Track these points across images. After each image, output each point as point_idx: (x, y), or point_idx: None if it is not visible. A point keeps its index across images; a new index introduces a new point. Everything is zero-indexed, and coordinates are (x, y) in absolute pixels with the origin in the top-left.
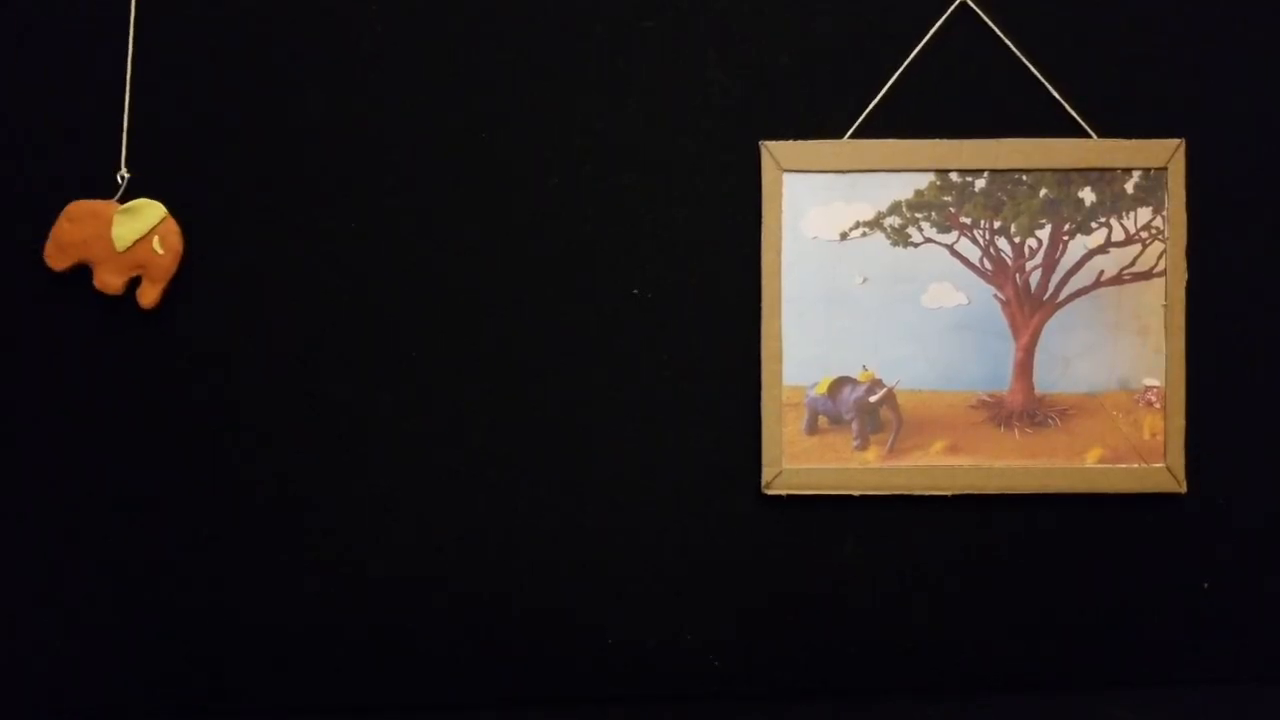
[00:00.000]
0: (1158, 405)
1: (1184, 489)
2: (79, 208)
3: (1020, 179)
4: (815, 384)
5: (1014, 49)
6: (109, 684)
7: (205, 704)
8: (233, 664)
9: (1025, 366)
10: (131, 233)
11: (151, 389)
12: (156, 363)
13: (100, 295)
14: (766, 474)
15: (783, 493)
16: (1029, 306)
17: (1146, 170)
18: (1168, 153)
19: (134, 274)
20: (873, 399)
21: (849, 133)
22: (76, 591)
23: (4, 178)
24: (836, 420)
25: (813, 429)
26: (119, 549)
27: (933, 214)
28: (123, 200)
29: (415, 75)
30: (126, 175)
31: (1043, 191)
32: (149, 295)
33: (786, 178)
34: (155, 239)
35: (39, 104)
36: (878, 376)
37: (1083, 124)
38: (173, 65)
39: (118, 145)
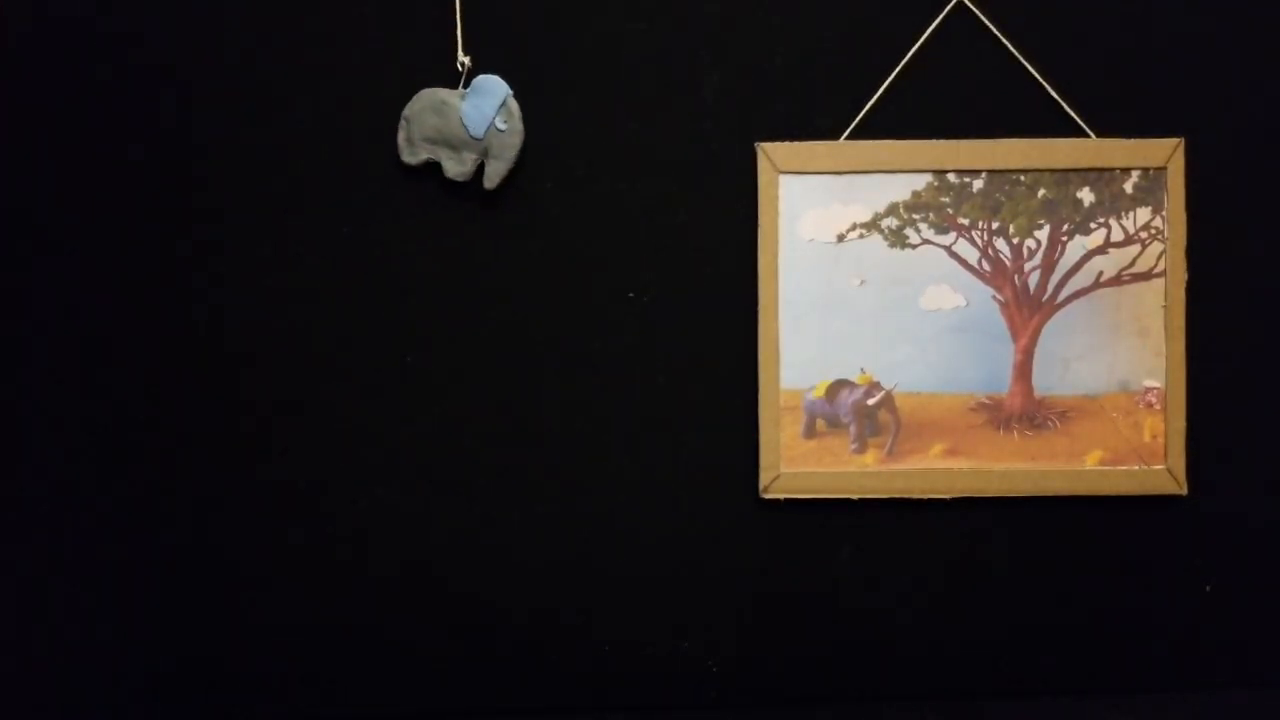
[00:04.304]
0: (1158, 407)
1: (1184, 491)
2: None
3: (1018, 179)
4: (813, 387)
5: (1011, 48)
6: (104, 689)
7: (202, 711)
8: (225, 672)
9: (1024, 368)
10: None
11: (156, 390)
12: (154, 365)
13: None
14: (764, 478)
15: (780, 496)
16: (1028, 308)
17: (1145, 170)
18: (1167, 152)
19: None
20: (871, 402)
21: (845, 134)
22: (73, 596)
23: None
24: (834, 423)
25: (810, 432)
26: (115, 553)
27: (930, 215)
28: None
29: (410, 77)
30: None
31: (1041, 192)
32: None
33: (783, 179)
34: None
35: None
36: (876, 379)
37: (1081, 124)
38: None
39: None
